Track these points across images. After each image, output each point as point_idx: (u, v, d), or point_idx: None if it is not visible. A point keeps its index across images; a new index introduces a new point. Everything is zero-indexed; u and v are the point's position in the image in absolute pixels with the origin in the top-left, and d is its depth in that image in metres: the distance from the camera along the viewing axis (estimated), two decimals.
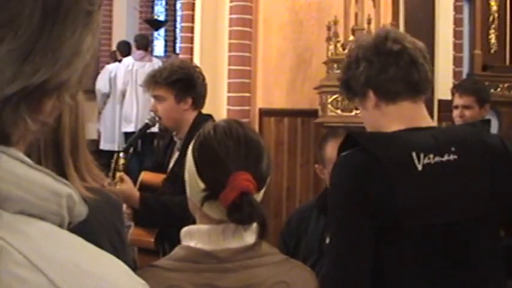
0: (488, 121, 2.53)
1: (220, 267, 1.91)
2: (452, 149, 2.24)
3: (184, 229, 2.01)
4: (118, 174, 3.57)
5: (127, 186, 3.58)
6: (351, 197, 2.23)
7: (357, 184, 2.22)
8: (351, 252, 2.23)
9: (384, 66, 2.35)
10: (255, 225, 1.93)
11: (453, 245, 2.22)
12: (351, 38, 5.41)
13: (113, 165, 3.53)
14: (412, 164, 2.19)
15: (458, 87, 5.02)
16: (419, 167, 2.19)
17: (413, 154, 2.20)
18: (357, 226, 2.22)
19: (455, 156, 2.23)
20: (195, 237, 1.96)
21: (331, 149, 3.43)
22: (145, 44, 10.39)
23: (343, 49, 5.38)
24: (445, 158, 2.22)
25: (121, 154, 3.66)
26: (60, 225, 0.85)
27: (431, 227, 2.20)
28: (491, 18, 8.44)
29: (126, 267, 0.90)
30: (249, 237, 1.95)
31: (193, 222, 2.04)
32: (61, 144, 1.91)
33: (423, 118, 2.41)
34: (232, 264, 1.92)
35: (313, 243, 3.50)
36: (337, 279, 2.24)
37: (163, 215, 3.68)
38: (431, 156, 2.21)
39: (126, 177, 3.61)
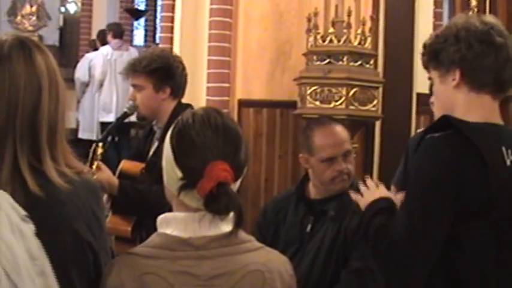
0: None
1: (196, 254, 1.91)
2: None
3: (161, 216, 2.01)
4: (95, 163, 3.56)
5: (105, 174, 3.59)
6: (442, 178, 2.24)
7: (451, 166, 2.23)
8: (424, 236, 2.25)
9: (483, 54, 2.35)
10: (231, 214, 1.94)
11: None
12: (331, 30, 5.43)
13: (90, 155, 3.52)
14: (503, 158, 2.25)
15: None
16: (508, 162, 2.25)
17: (503, 149, 2.26)
18: (440, 208, 2.24)
19: None
20: (171, 224, 1.97)
21: (320, 137, 3.50)
22: (121, 33, 10.31)
23: (323, 41, 5.40)
24: None
25: (99, 143, 3.64)
26: None
27: (510, 221, 2.24)
28: (470, 13, 8.46)
29: None
30: (226, 225, 1.96)
31: (170, 210, 2.05)
32: (38, 130, 1.91)
33: (498, 116, 2.43)
34: (208, 252, 1.92)
35: (294, 232, 3.53)
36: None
37: (140, 203, 3.69)
38: None
39: (103, 166, 3.61)
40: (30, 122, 1.90)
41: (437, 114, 2.52)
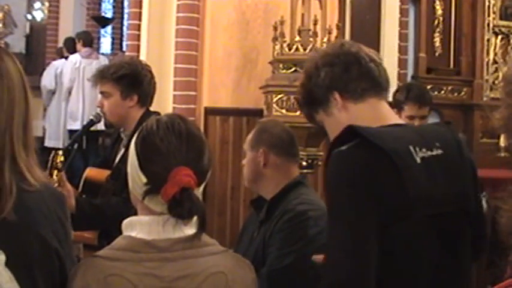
0: (449, 123, 2.59)
1: (159, 256, 1.94)
2: (437, 144, 2.30)
3: (126, 220, 2.04)
4: (55, 172, 3.50)
5: (66, 191, 3.43)
6: (359, 193, 2.17)
7: (364, 179, 2.18)
8: (362, 254, 2.15)
9: (347, 65, 2.37)
10: (195, 218, 1.97)
11: (447, 235, 2.26)
12: (297, 38, 5.44)
13: (49, 163, 3.47)
14: (412, 156, 2.22)
15: (418, 99, 4.82)
16: (418, 160, 2.23)
17: (411, 147, 2.23)
18: (368, 222, 2.17)
19: (442, 151, 2.30)
20: (136, 227, 2.00)
21: None
22: (90, 41, 10.28)
23: (289, 49, 5.42)
24: (434, 152, 2.28)
25: (59, 152, 3.59)
26: None
27: (432, 217, 2.22)
28: (436, 22, 8.54)
29: None
30: (189, 229, 1.99)
31: (135, 215, 2.07)
32: (25, 134, 1.91)
33: (393, 115, 2.46)
34: (172, 254, 1.96)
35: (247, 237, 3.54)
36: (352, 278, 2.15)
37: (99, 219, 3.66)
38: (424, 150, 2.25)
39: (65, 181, 3.51)
40: (5, 126, 1.90)
41: None
